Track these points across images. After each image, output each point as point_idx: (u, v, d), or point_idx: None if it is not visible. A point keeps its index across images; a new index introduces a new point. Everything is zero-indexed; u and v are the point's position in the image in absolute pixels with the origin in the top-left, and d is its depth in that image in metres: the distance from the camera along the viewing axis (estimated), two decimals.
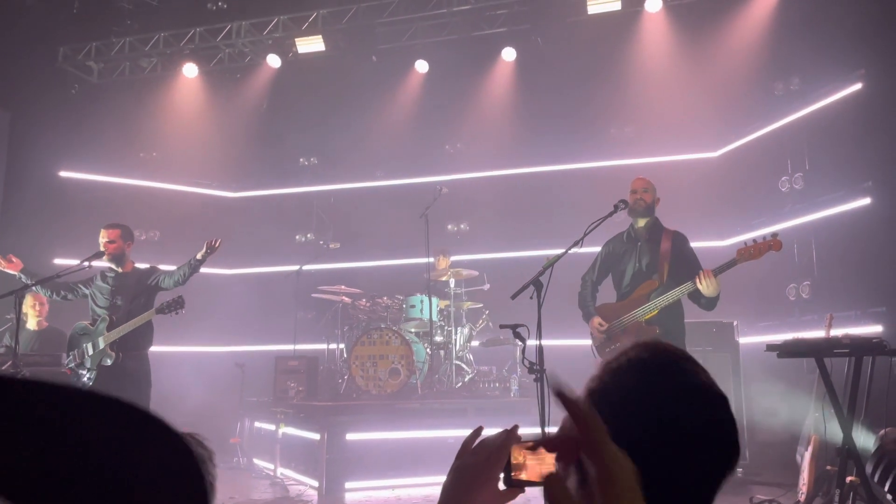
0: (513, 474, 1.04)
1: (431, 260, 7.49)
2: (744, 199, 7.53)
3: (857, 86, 6.27)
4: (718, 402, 0.92)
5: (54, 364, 5.86)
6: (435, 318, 7.14)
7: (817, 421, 4.68)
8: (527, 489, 1.05)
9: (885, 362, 4.21)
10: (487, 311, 7.58)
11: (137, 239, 5.86)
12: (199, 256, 5.03)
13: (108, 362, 4.90)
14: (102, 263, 5.18)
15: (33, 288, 5.03)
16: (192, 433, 1.02)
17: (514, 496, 1.08)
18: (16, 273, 5.00)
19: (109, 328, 4.96)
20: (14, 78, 8.10)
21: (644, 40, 8.09)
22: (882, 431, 3.33)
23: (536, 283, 3.85)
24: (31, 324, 6.43)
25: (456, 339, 7.21)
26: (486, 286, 7.57)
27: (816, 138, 6.73)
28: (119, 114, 9.00)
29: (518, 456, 1.03)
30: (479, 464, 1.06)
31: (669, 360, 0.96)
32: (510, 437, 1.05)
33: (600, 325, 4.76)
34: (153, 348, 5.25)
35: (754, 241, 4.32)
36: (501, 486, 1.07)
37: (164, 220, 9.02)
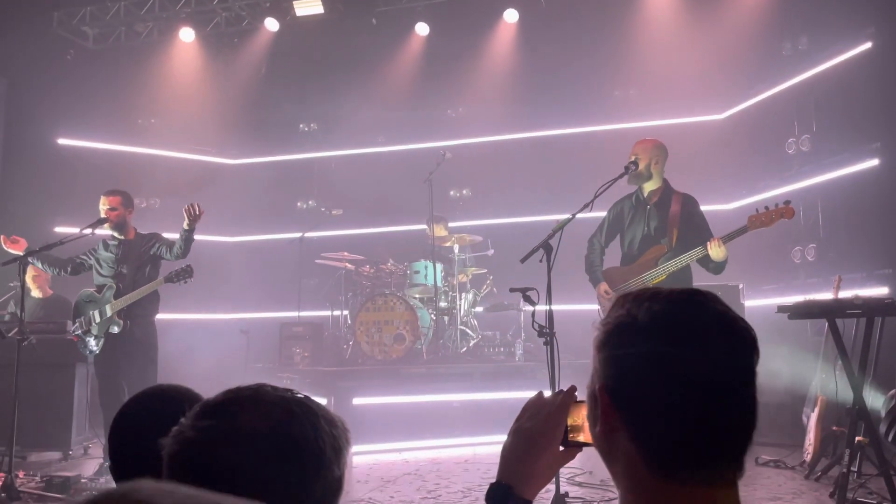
0: (570, 436, 1.04)
1: (426, 228, 7.46)
2: (750, 162, 7.46)
3: (867, 45, 6.16)
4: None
5: (59, 331, 5.87)
6: (439, 283, 7.13)
7: (824, 382, 4.70)
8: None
9: (893, 323, 4.20)
10: (492, 277, 7.57)
11: (138, 207, 5.82)
12: (185, 226, 4.94)
13: (116, 330, 4.89)
14: (104, 231, 5.14)
15: (32, 261, 4.97)
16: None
17: (572, 457, 1.08)
18: (20, 253, 4.88)
19: (116, 296, 4.95)
20: (10, 44, 7.95)
21: (649, 0, 7.94)
22: (894, 391, 3.34)
23: (546, 247, 3.83)
24: (36, 292, 6.42)
25: (460, 305, 7.21)
26: (490, 251, 7.55)
27: (824, 99, 6.65)
28: (116, 80, 8.86)
29: (576, 418, 1.03)
30: (538, 426, 1.06)
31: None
32: (567, 398, 1.04)
33: (606, 292, 4.74)
34: (159, 315, 5.25)
35: (766, 207, 4.27)
36: (560, 447, 1.06)
37: (163, 187, 8.95)
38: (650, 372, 0.87)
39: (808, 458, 4.69)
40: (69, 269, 5.22)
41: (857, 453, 3.70)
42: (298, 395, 1.00)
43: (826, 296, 4.86)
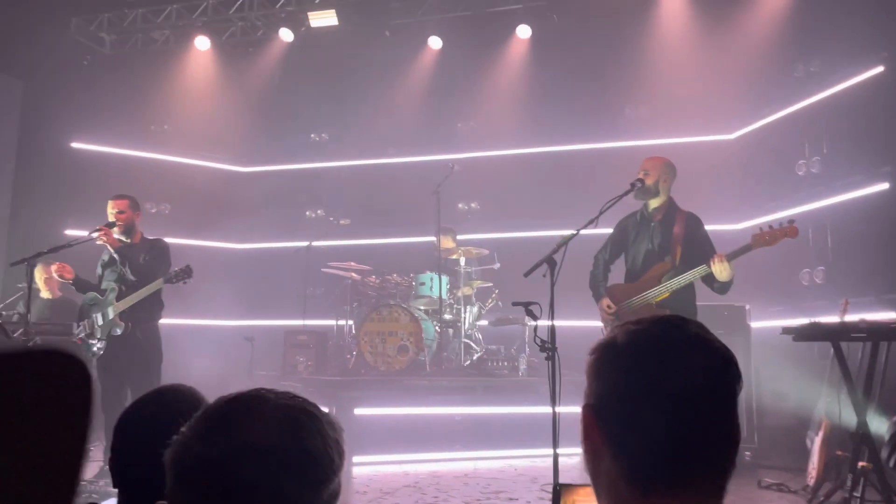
0: None
1: (433, 239, 7.48)
2: (759, 183, 7.44)
3: (880, 69, 6.14)
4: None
5: (65, 333, 5.89)
6: (444, 296, 7.13)
7: (829, 406, 4.65)
8: None
9: None
10: (497, 291, 7.55)
11: (148, 211, 5.86)
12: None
13: (118, 332, 4.92)
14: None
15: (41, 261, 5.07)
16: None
17: None
18: (70, 281, 5.13)
19: (119, 298, 4.97)
20: (27, 48, 8.07)
21: (661, 19, 7.97)
22: None
23: (550, 261, 3.82)
24: (45, 293, 6.46)
25: (465, 318, 7.20)
26: (497, 265, 7.54)
27: (836, 122, 6.62)
28: (131, 86, 8.97)
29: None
30: None
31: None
32: None
33: (609, 306, 4.72)
34: (164, 320, 5.26)
35: (770, 226, 4.25)
36: None
37: (174, 193, 9.02)
38: (628, 389, 0.89)
39: (811, 482, 4.63)
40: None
41: (861, 479, 3.65)
42: (300, 401, 1.00)
43: (833, 319, 4.82)
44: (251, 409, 0.96)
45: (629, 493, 0.88)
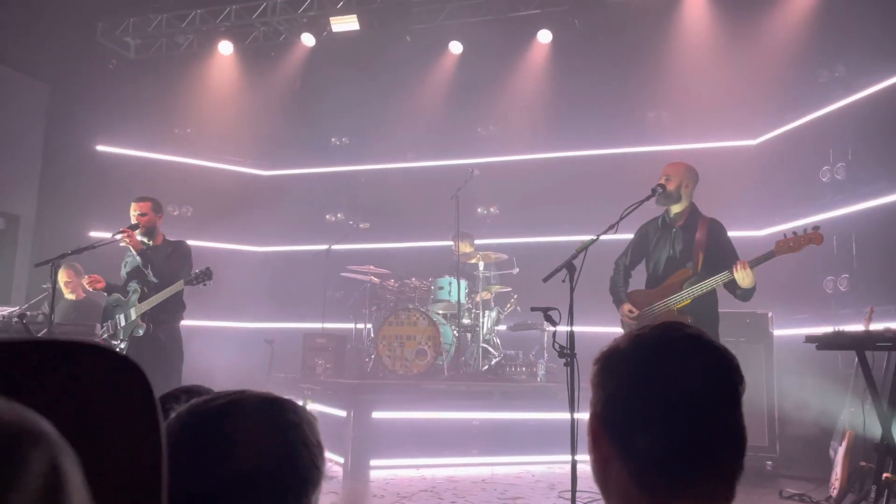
0: None
1: (451, 244, 7.49)
2: (783, 189, 7.35)
3: None
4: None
5: (88, 334, 5.96)
6: (463, 300, 7.12)
7: (853, 416, 4.58)
8: None
9: None
10: (516, 296, 7.53)
11: (170, 214, 5.92)
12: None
13: (140, 333, 4.97)
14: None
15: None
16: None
17: None
18: (103, 290, 5.23)
19: (141, 299, 5.03)
20: (53, 52, 8.20)
21: (684, 23, 7.91)
22: None
23: (569, 267, 3.80)
24: (69, 295, 6.54)
25: (483, 322, 7.19)
26: (516, 270, 7.52)
27: (861, 128, 6.53)
28: (155, 90, 9.09)
29: None
30: None
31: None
32: None
33: (630, 311, 4.68)
34: (185, 322, 5.31)
35: (794, 232, 4.18)
36: None
37: (196, 196, 9.11)
38: (632, 394, 0.91)
39: (834, 493, 4.56)
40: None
41: (885, 490, 3.59)
42: (285, 411, 0.99)
43: (857, 327, 4.74)
44: (239, 427, 0.94)
45: (639, 497, 0.89)
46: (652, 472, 0.88)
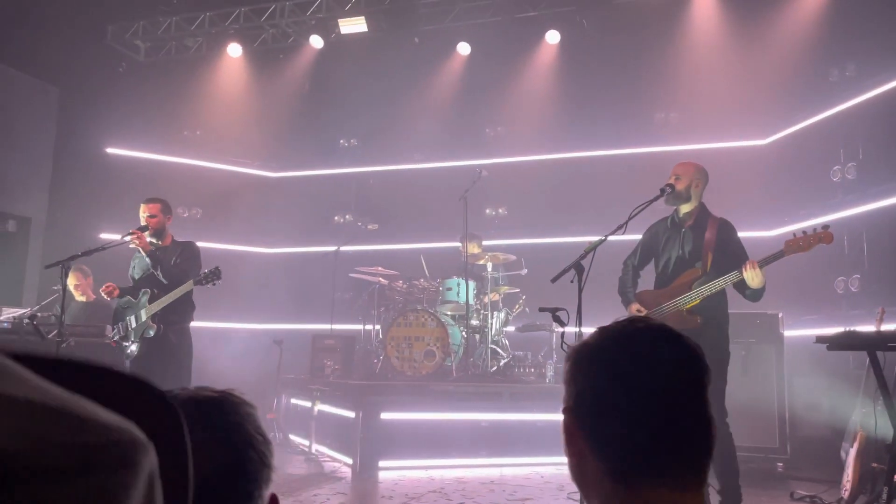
0: None
1: (460, 245, 7.49)
2: (793, 189, 7.30)
3: None
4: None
5: (98, 335, 6.00)
6: (471, 301, 7.11)
7: (864, 417, 4.54)
8: None
9: None
10: (524, 297, 7.52)
11: (180, 216, 5.95)
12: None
13: (151, 334, 4.99)
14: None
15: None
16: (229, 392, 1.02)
17: None
18: (118, 297, 5.24)
19: (151, 301, 5.05)
20: (63, 55, 8.25)
21: (692, 22, 7.89)
22: None
23: (578, 267, 3.79)
24: (80, 297, 6.58)
25: (492, 323, 7.18)
26: (524, 271, 7.51)
27: (872, 127, 6.49)
28: (164, 92, 9.14)
29: None
30: None
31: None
32: None
33: (639, 311, 4.66)
34: (195, 323, 5.33)
35: (804, 232, 4.15)
36: None
37: (205, 197, 9.15)
38: (602, 387, 0.93)
39: (845, 494, 4.53)
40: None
41: None
42: (224, 412, 0.99)
43: (868, 328, 4.71)
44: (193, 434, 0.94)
45: (614, 489, 0.90)
46: (625, 463, 0.90)
